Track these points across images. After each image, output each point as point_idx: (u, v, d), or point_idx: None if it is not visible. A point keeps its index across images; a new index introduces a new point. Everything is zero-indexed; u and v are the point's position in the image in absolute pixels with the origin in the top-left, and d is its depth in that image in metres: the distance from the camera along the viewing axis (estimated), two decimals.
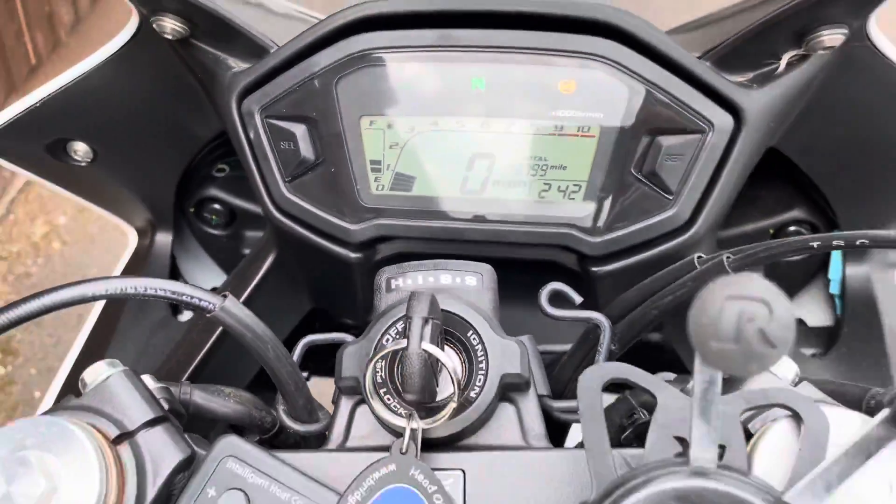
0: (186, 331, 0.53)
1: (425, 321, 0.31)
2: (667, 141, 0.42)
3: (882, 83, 0.44)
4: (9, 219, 2.06)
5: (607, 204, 0.43)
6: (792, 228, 0.57)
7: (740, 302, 0.19)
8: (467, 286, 0.36)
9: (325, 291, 0.54)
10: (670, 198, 0.43)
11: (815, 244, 0.33)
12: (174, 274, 0.63)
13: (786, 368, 0.31)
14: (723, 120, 0.42)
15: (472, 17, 0.43)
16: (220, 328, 0.49)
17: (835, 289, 0.58)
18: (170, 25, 0.45)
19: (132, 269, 0.63)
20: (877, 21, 0.42)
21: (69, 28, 2.23)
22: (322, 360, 0.47)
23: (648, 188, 0.43)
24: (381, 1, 0.43)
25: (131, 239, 0.65)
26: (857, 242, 0.32)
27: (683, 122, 0.42)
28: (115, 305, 0.57)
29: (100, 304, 0.59)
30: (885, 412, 0.26)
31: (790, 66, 0.43)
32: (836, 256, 0.57)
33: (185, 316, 0.61)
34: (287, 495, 0.31)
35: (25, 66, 2.05)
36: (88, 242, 2.05)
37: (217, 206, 0.61)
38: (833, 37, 0.41)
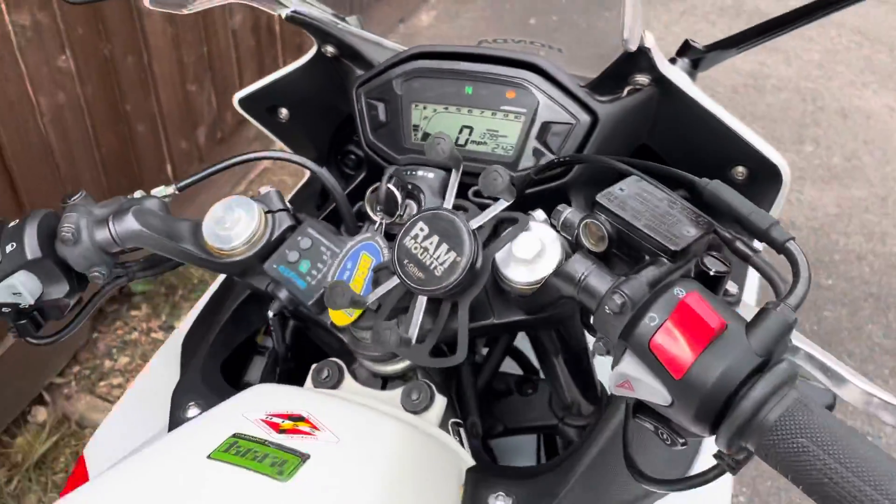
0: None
1: (391, 177, 0.72)
2: (554, 127, 0.80)
3: (686, 105, 0.78)
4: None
5: (523, 155, 0.82)
6: None
7: (438, 140, 0.58)
8: (428, 177, 0.77)
9: None
10: (554, 156, 0.80)
11: (565, 158, 0.71)
12: (324, 192, 1.08)
13: (539, 214, 0.68)
14: (585, 118, 0.79)
15: (469, 55, 0.84)
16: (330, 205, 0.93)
17: None
18: (330, 50, 0.91)
19: (304, 190, 1.09)
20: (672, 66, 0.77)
21: None
22: None
23: (543, 148, 0.81)
24: (426, 45, 0.85)
25: (307, 173, 1.12)
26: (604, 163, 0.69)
27: (564, 117, 0.79)
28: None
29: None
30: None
31: (630, 93, 0.79)
32: None
33: None
34: (328, 242, 0.73)
35: None
36: None
37: (352, 156, 1.06)
38: (643, 79, 0.77)
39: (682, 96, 0.78)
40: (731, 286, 0.56)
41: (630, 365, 0.50)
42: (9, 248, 0.67)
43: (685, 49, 0.84)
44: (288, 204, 0.77)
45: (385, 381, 0.76)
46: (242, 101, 0.99)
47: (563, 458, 0.67)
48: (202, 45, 2.31)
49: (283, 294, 0.72)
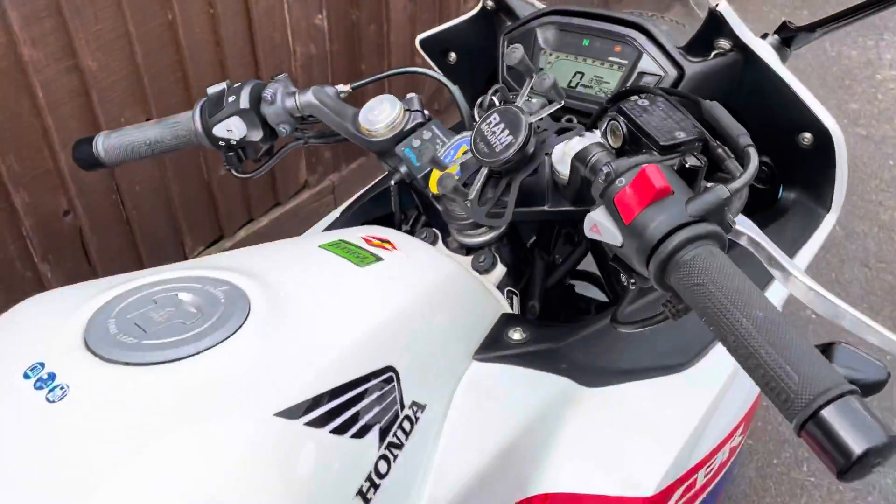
0: None
1: (495, 90, 0.93)
2: (647, 77, 0.95)
3: (764, 72, 0.90)
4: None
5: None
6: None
7: (513, 48, 0.78)
8: (532, 102, 0.97)
9: None
10: None
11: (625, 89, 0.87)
12: None
13: (597, 132, 0.85)
14: (673, 72, 0.93)
15: (592, 14, 1.03)
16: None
17: None
18: (489, 4, 1.14)
19: (455, 125, 1.33)
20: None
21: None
22: None
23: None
24: (562, 5, 1.05)
25: None
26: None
27: (657, 70, 0.95)
28: None
29: None
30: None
31: (716, 56, 0.93)
32: None
33: None
34: (443, 136, 0.95)
35: None
36: None
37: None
38: (725, 44, 0.91)
39: (760, 63, 0.91)
40: (709, 184, 0.71)
41: (600, 214, 0.67)
42: (230, 100, 0.97)
43: (781, 28, 0.96)
44: (424, 108, 1.01)
45: (469, 253, 0.97)
46: (423, 42, 1.25)
47: (580, 322, 0.85)
48: (434, 25, 2.64)
49: (403, 169, 0.96)
